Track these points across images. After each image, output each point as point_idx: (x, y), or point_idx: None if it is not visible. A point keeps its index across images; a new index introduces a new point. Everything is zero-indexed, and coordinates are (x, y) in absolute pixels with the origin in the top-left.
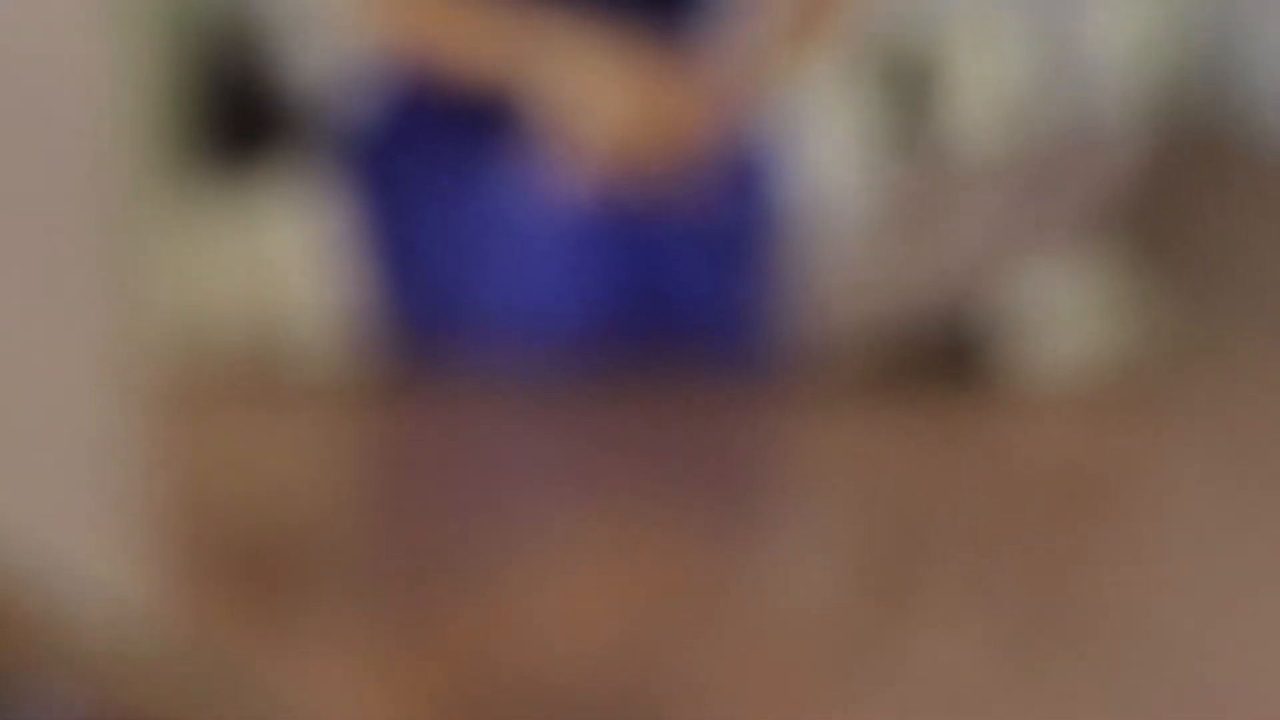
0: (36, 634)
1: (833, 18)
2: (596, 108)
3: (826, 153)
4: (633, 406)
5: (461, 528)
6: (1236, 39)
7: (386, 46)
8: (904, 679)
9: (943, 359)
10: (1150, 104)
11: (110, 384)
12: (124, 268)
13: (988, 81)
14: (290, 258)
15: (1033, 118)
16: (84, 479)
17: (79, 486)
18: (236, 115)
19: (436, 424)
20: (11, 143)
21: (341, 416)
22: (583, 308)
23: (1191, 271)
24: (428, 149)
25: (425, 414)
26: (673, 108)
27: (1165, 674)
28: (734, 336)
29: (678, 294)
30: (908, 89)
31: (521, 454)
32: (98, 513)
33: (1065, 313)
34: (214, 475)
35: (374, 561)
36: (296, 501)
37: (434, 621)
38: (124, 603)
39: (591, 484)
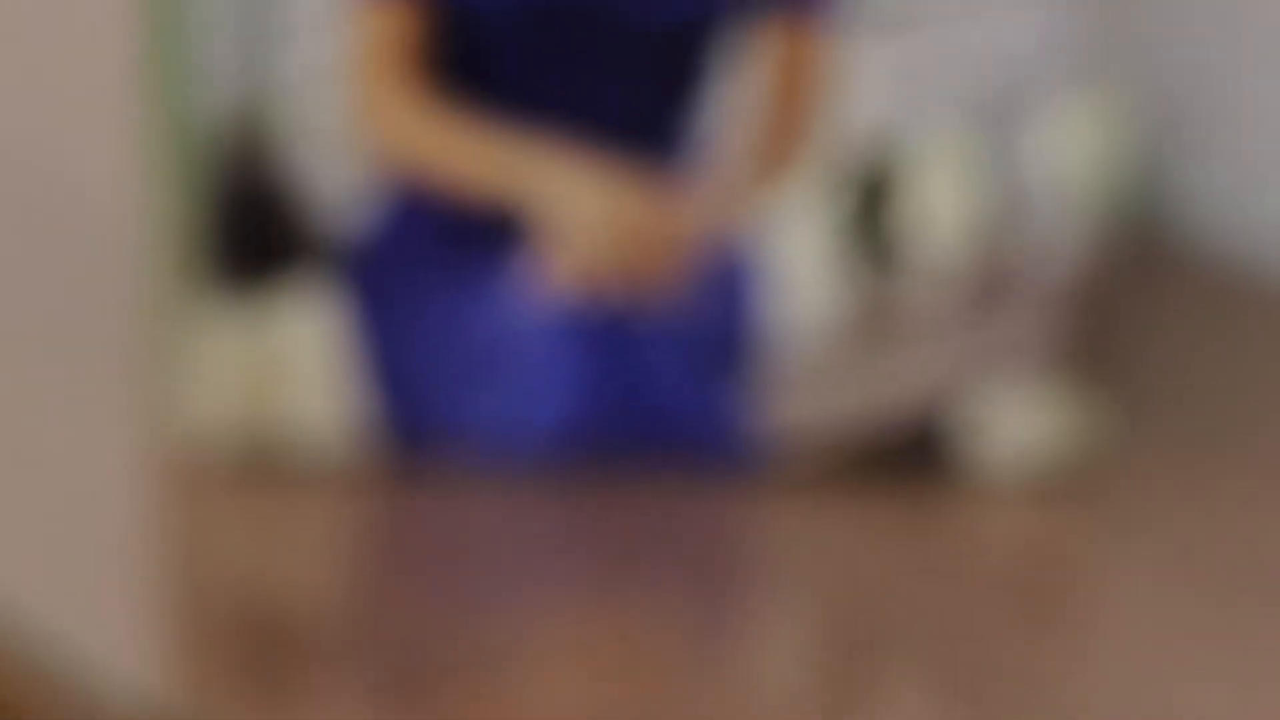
0: (41, 714)
1: (803, 141)
2: (581, 220)
3: (796, 263)
4: (613, 499)
5: (451, 617)
6: (1182, 158)
7: (379, 160)
8: None
9: (905, 455)
10: (1099, 220)
11: (123, 474)
12: (143, 366)
13: (946, 197)
14: (298, 360)
15: (987, 233)
16: (95, 565)
17: (91, 572)
18: (250, 224)
19: (430, 515)
20: (39, 243)
21: (342, 506)
22: (568, 409)
23: (1137, 381)
24: (419, 259)
25: (420, 505)
26: (655, 221)
27: None
28: (711, 434)
29: (658, 394)
30: (871, 203)
31: (509, 545)
32: (106, 598)
33: (1019, 414)
34: (216, 562)
35: (370, 649)
36: (294, 590)
37: (427, 708)
38: (127, 685)
39: (572, 574)
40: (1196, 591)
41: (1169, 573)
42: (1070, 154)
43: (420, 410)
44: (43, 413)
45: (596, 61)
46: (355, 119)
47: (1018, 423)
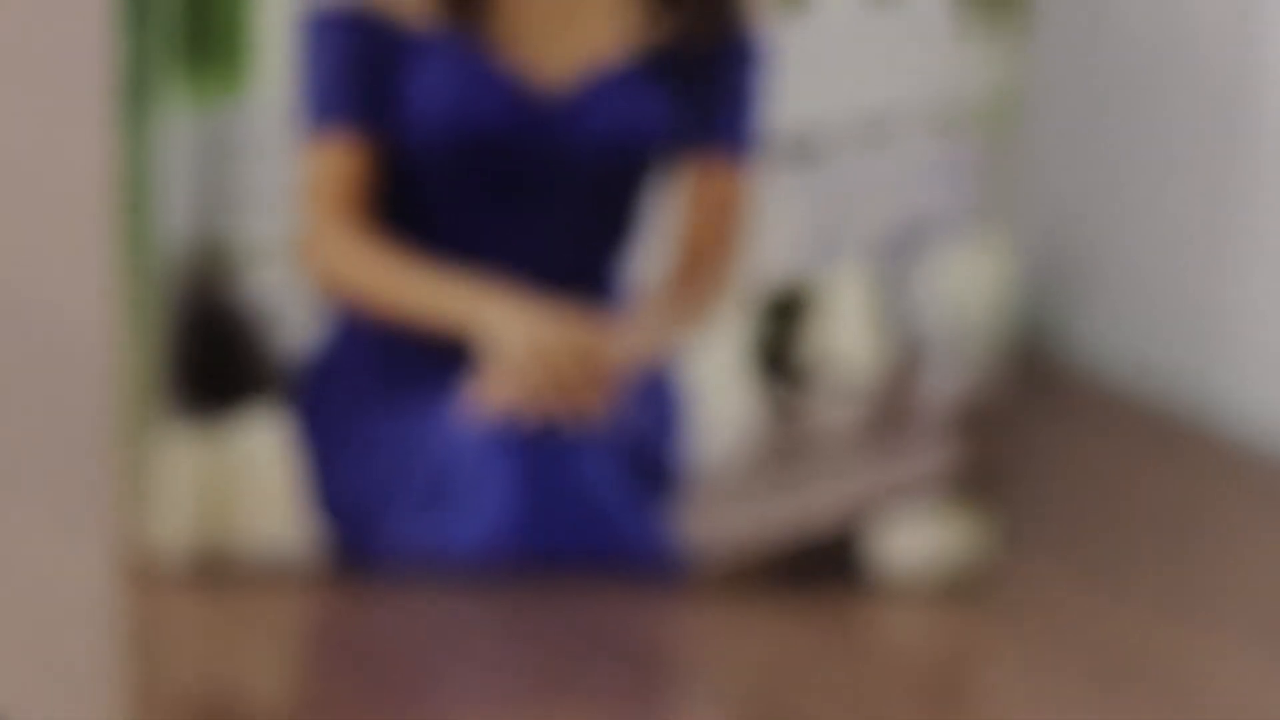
0: None
1: (722, 274)
2: (515, 348)
3: (713, 385)
4: (547, 605)
5: (393, 718)
6: (1067, 290)
7: (324, 288)
8: None
9: (818, 563)
10: (992, 349)
11: (88, 579)
12: (110, 479)
13: (851, 327)
14: (254, 476)
15: (889, 361)
16: (58, 663)
17: (54, 670)
18: (208, 347)
19: (374, 621)
20: (13, 361)
21: (292, 611)
22: (505, 519)
23: (1027, 492)
24: (363, 382)
25: (365, 611)
26: (584, 349)
27: None
28: (638, 543)
29: (588, 505)
30: (781, 331)
31: (449, 649)
32: (68, 693)
33: (922, 525)
34: (173, 662)
35: None
36: (245, 689)
37: None
38: None
39: (508, 677)
40: (1083, 680)
41: (1056, 664)
42: (965, 288)
43: (364, 524)
44: (12, 521)
45: (526, 200)
46: (302, 249)
47: (920, 533)
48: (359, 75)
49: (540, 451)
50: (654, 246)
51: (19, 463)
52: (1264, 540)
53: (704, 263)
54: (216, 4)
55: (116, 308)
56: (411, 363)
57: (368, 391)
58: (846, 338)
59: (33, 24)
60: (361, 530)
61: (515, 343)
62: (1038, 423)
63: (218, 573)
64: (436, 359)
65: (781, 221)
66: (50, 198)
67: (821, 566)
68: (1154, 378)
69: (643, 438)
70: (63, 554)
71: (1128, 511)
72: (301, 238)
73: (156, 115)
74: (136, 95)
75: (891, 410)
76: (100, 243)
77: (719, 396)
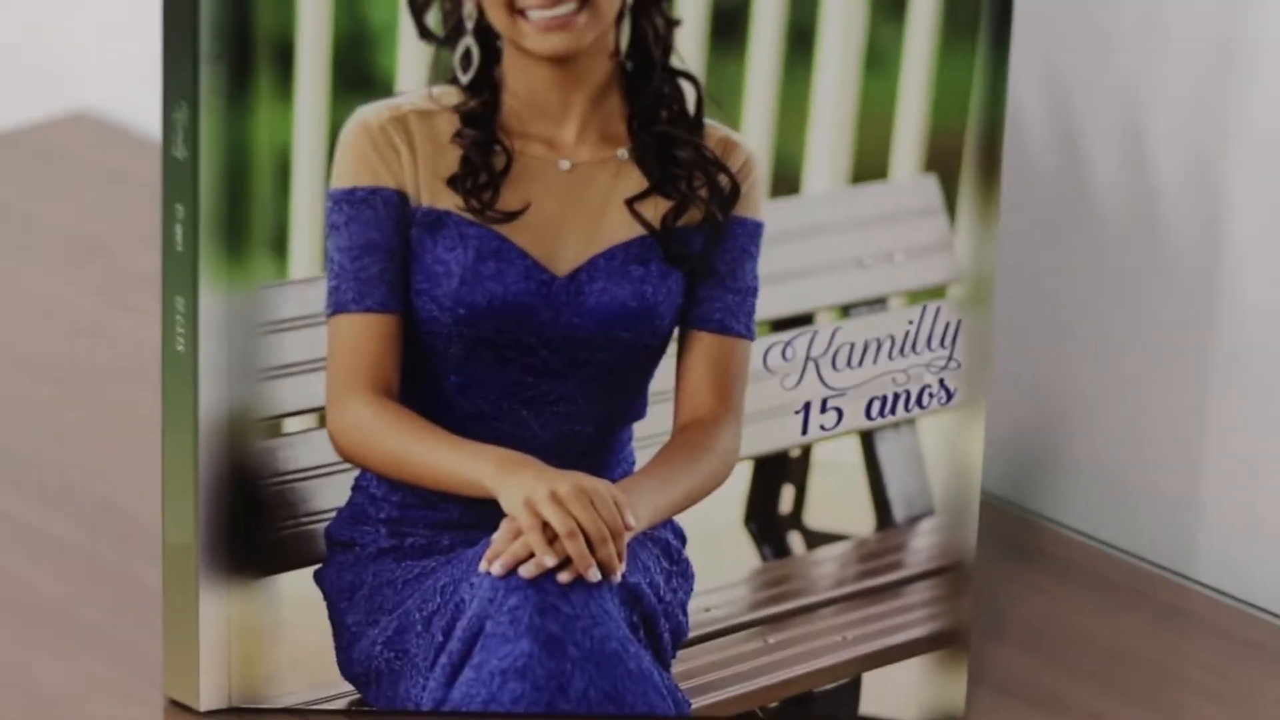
0: None
1: (722, 436)
2: (527, 509)
3: (711, 536)
4: None
5: None
6: (1045, 466)
7: (347, 453)
8: None
9: (808, 709)
10: (975, 500)
11: None
12: (159, 633)
13: (840, 479)
14: (288, 626)
15: (876, 512)
16: None
17: None
18: (244, 508)
19: None
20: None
21: None
22: (519, 671)
23: (1012, 643)
24: (383, 538)
25: None
26: (593, 511)
27: None
28: (645, 691)
29: (599, 654)
30: (773, 483)
31: None
32: None
33: (909, 673)
34: None
35: None
36: None
37: None
38: None
39: None
40: None
41: None
42: (947, 452)
43: (389, 675)
44: (67, 675)
45: (538, 369)
46: (328, 418)
47: (907, 685)
48: (382, 254)
49: (552, 607)
50: (658, 413)
51: (74, 622)
52: (1237, 689)
53: (704, 428)
54: (250, 195)
55: (161, 475)
56: (432, 523)
57: (390, 552)
58: (836, 498)
59: (94, 215)
60: (386, 681)
61: (530, 504)
62: (1018, 580)
63: None
64: (457, 519)
65: (773, 387)
66: (101, 372)
67: (813, 717)
68: (1128, 542)
69: (647, 592)
70: (114, 707)
71: (1106, 664)
72: (328, 407)
73: (198, 295)
74: (181, 277)
75: (879, 568)
76: (146, 415)
77: (717, 553)
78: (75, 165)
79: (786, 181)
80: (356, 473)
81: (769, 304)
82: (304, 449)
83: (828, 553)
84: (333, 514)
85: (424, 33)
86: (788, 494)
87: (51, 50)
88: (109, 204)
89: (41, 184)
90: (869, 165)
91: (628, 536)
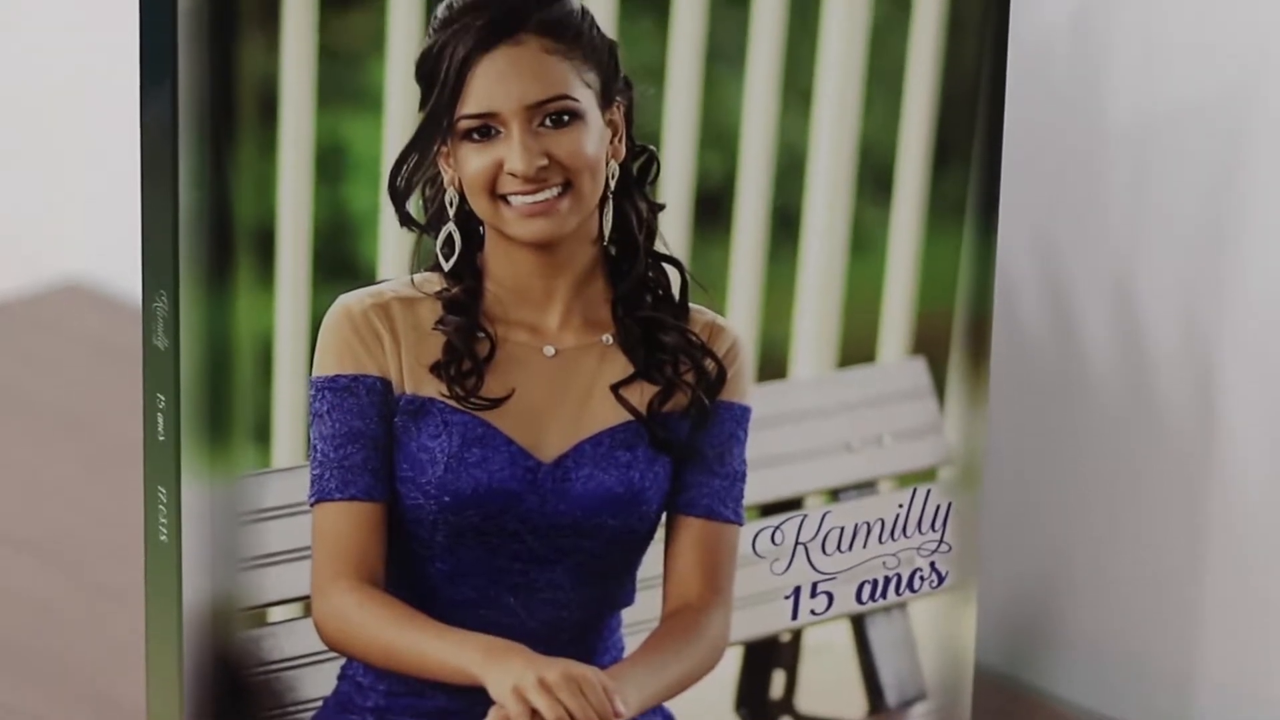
0: None
1: (710, 621)
2: (513, 697)
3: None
4: None
5: None
6: (1044, 626)
7: (333, 640)
8: None
9: None
10: (968, 679)
11: None
12: None
13: (832, 661)
14: None
15: (868, 693)
16: None
17: None
18: (228, 695)
19: None
20: None
21: None
22: None
23: None
24: None
25: None
26: (581, 699)
27: None
28: None
29: None
30: (765, 666)
31: None
32: None
33: None
34: None
35: None
36: None
37: None
38: None
39: None
40: None
41: None
42: (939, 632)
43: None
44: None
45: (525, 555)
46: (312, 605)
47: None
48: (366, 442)
49: None
50: (646, 598)
51: None
52: None
53: (693, 614)
54: (232, 384)
55: (146, 663)
56: (420, 712)
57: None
58: (827, 683)
59: (85, 387)
60: None
61: (518, 692)
62: None
63: None
64: (445, 707)
65: (763, 571)
66: (89, 551)
67: None
68: (1127, 716)
69: None
70: None
71: None
72: (312, 596)
73: (180, 485)
74: (163, 467)
75: None
76: (133, 597)
77: None
78: (66, 337)
79: (773, 365)
80: (342, 661)
81: (757, 488)
82: (289, 638)
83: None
84: (319, 703)
85: (405, 220)
86: (778, 679)
87: (43, 221)
88: (100, 376)
89: (32, 355)
90: (856, 348)
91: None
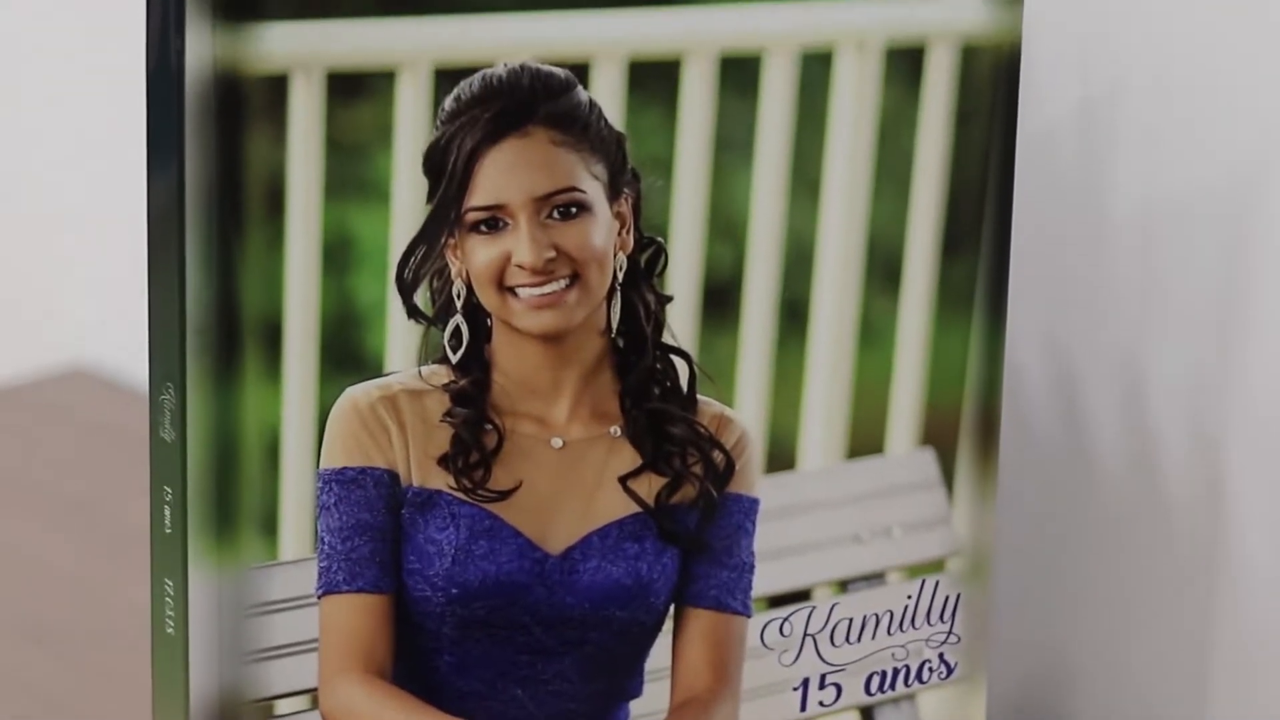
0: None
1: (723, 703)
2: None
3: None
4: None
5: None
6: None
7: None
8: None
9: None
10: None
11: None
12: None
13: None
14: None
15: None
16: None
17: None
18: None
19: None
20: None
21: None
22: None
23: None
24: None
25: None
26: None
27: None
28: None
29: None
30: None
31: None
32: None
33: None
34: None
35: None
36: None
37: None
38: None
39: None
40: None
41: None
42: None
43: None
44: None
45: (532, 647)
46: (320, 697)
47: None
48: (373, 534)
49: None
50: (654, 690)
51: None
52: None
53: (702, 706)
54: (239, 476)
55: None
56: None
57: None
58: None
59: (91, 472)
60: None
61: None
62: None
63: None
64: None
65: (771, 663)
66: (95, 638)
67: None
68: None
69: None
70: None
71: None
72: (320, 689)
73: (187, 577)
74: (170, 559)
75: None
76: (139, 684)
77: None
78: (72, 421)
79: (782, 457)
80: None
81: (766, 580)
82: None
83: None
84: None
85: (413, 312)
86: None
87: (48, 305)
88: (105, 461)
89: (37, 440)
90: (865, 439)
91: None
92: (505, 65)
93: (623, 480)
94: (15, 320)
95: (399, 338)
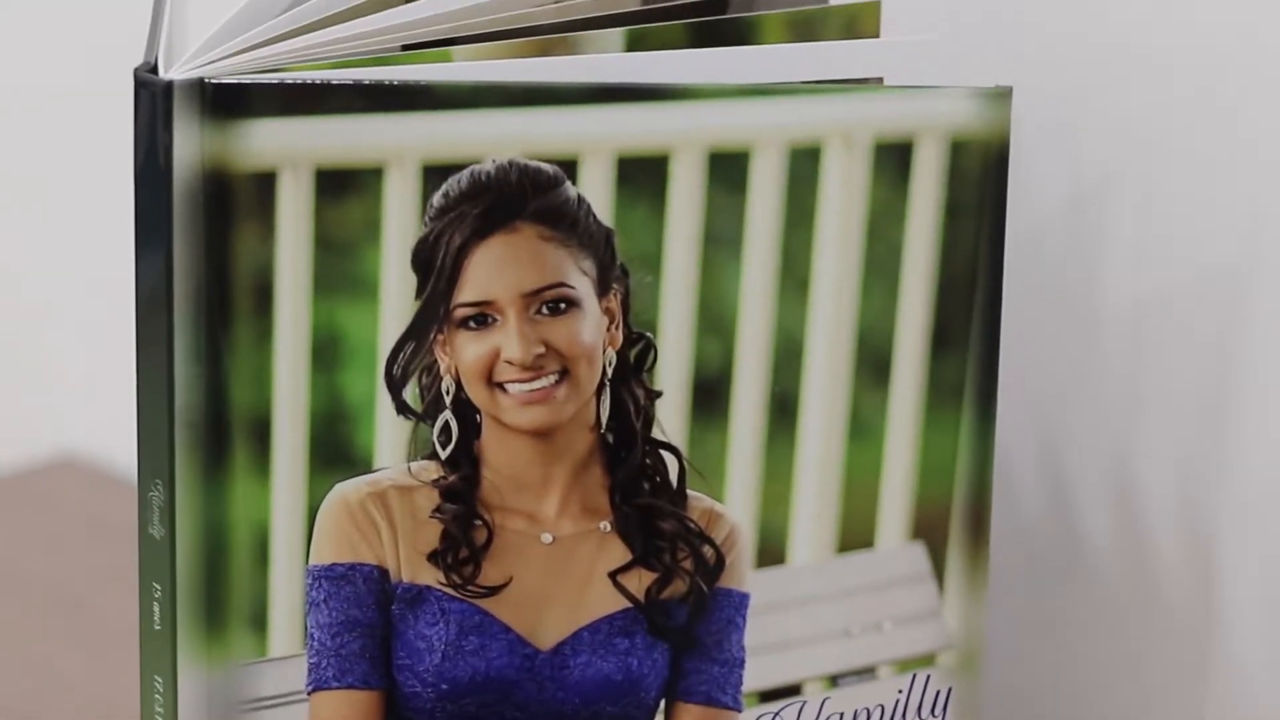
0: None
1: None
2: None
3: None
4: None
5: None
6: None
7: None
8: None
9: None
10: None
11: None
12: None
13: None
14: None
15: None
16: None
17: None
18: None
19: None
20: None
21: None
22: None
23: None
24: None
25: None
26: None
27: None
28: None
29: None
30: None
31: None
32: None
33: None
34: None
35: None
36: None
37: None
38: None
39: None
40: None
41: None
42: None
43: None
44: None
45: None
46: None
47: None
48: (363, 630)
49: None
50: None
51: None
52: None
53: None
54: (228, 573)
55: None
56: None
57: None
58: None
59: (78, 564)
60: None
61: None
62: None
63: None
64: None
65: None
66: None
67: None
68: None
69: None
70: None
71: None
72: None
73: (177, 674)
74: (159, 656)
75: None
76: None
77: None
78: (60, 513)
79: (771, 552)
80: None
81: (756, 674)
82: None
83: None
84: None
85: (402, 408)
86: None
87: (36, 395)
88: (93, 553)
89: (24, 531)
90: (855, 534)
91: None
92: (494, 161)
93: (613, 575)
94: (2, 411)
95: (388, 433)
